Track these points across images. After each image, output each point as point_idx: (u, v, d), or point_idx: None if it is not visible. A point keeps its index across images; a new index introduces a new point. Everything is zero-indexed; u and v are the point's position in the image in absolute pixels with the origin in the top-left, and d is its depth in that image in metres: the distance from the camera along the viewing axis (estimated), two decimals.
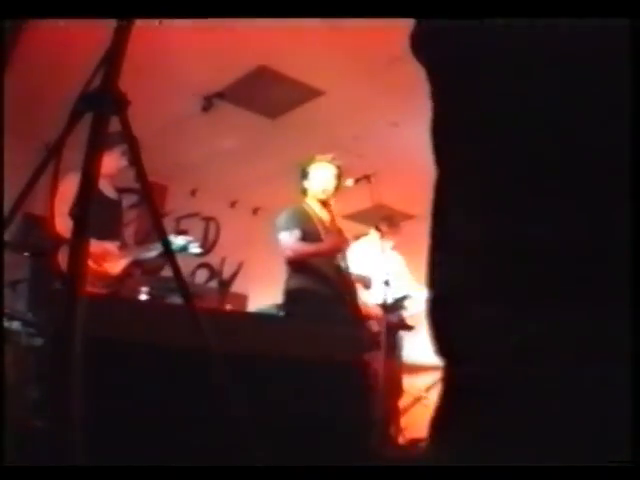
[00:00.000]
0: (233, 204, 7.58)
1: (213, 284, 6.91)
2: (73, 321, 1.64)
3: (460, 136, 1.01)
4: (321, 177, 4.85)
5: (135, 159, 1.99)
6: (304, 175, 4.93)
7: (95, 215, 4.41)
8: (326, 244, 4.78)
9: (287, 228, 4.76)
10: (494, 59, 0.97)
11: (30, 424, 1.88)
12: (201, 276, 6.91)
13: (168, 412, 2.26)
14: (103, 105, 1.82)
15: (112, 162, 4.56)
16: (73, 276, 1.74)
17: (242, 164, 6.69)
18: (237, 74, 5.45)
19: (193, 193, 7.27)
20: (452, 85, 1.02)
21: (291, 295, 4.80)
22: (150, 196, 2.15)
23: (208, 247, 7.02)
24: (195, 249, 5.13)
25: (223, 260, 7.11)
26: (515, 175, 0.96)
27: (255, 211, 7.71)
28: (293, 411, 2.41)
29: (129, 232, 5.36)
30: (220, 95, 5.68)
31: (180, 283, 1.94)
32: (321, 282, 4.80)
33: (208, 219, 7.28)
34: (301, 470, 0.96)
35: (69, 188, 4.06)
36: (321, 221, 4.78)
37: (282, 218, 4.85)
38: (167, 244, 2.10)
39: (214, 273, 7.03)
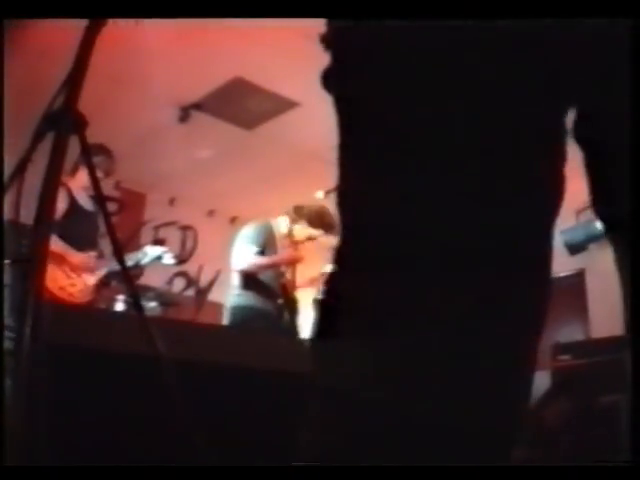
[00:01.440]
0: (211, 213, 7.63)
1: (190, 292, 6.94)
2: (24, 327, 1.70)
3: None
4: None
5: (92, 177, 2.06)
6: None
7: (73, 226, 4.43)
8: (278, 257, 4.89)
9: (246, 243, 4.87)
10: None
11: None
12: (178, 284, 6.95)
13: (120, 417, 2.31)
14: (63, 125, 1.89)
15: (87, 175, 4.65)
16: (29, 283, 1.79)
17: (219, 174, 6.75)
18: (213, 85, 5.52)
19: (171, 202, 7.32)
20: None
21: (237, 311, 4.93)
22: (107, 214, 2.20)
23: (185, 256, 7.05)
24: (169, 260, 5.19)
25: (200, 269, 7.13)
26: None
27: (232, 220, 7.75)
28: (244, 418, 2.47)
29: (106, 241, 5.40)
30: (197, 106, 5.73)
31: (132, 292, 2.02)
32: (266, 299, 4.91)
33: (186, 228, 7.32)
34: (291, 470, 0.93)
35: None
36: (282, 239, 4.90)
37: (245, 232, 4.96)
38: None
39: (191, 281, 7.05)
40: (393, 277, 0.91)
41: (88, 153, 2.03)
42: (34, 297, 1.76)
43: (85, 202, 4.81)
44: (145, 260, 5.21)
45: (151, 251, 5.10)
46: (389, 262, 0.92)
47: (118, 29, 2.70)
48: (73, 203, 4.71)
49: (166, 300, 5.96)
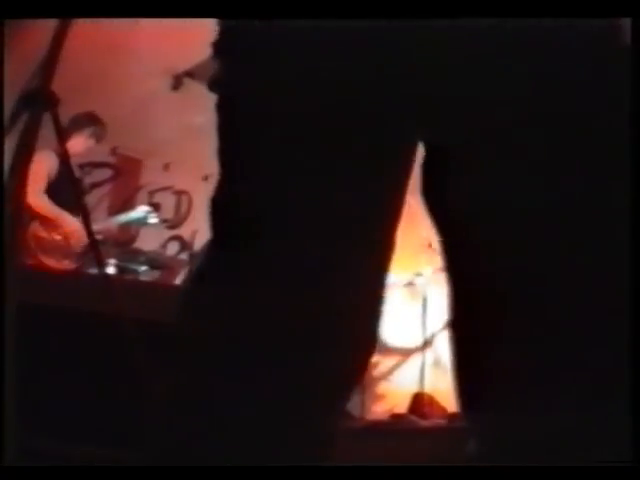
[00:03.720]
0: (205, 178, 7.65)
1: (184, 256, 6.98)
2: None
3: None
4: None
5: (64, 156, 2.17)
6: None
7: (64, 192, 4.46)
8: None
9: None
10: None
11: None
12: (172, 248, 7.01)
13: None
14: (36, 104, 1.99)
15: (79, 143, 4.81)
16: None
17: (214, 140, 6.76)
18: (205, 54, 5.50)
19: (166, 167, 7.35)
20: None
21: None
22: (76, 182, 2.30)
23: (179, 220, 7.09)
24: (153, 219, 5.28)
25: (194, 233, 7.18)
26: None
27: None
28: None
29: (102, 206, 5.51)
30: (189, 74, 5.78)
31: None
32: None
33: (180, 192, 7.35)
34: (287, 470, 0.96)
35: (40, 167, 4.27)
36: None
37: None
38: None
39: (185, 245, 7.10)
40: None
41: (60, 131, 2.13)
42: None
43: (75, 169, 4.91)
44: (127, 220, 5.32)
45: (134, 212, 5.20)
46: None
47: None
48: (63, 170, 4.81)
49: (158, 263, 6.03)
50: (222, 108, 1.10)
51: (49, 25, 1.94)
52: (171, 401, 1.04)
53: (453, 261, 1.08)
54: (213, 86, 1.11)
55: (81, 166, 5.00)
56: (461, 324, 1.09)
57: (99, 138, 5.12)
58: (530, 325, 0.98)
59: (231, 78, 1.10)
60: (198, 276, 1.11)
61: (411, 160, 1.07)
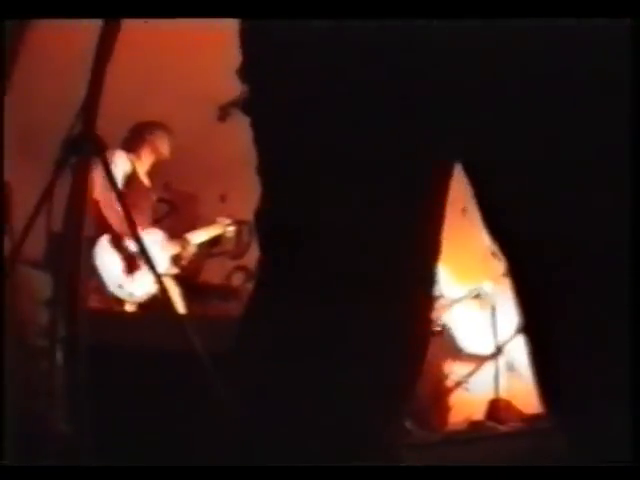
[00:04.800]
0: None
1: (250, 285, 6.98)
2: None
3: None
4: None
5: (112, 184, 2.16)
6: None
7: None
8: None
9: None
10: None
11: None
12: (238, 279, 7.02)
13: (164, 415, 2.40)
14: (84, 150, 1.99)
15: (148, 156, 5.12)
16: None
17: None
18: None
19: (223, 198, 7.38)
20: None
21: None
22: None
23: (242, 250, 7.10)
24: (230, 233, 5.33)
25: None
26: None
27: None
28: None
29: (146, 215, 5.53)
30: (234, 104, 5.79)
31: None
32: None
33: (239, 222, 7.37)
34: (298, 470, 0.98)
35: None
36: None
37: None
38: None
39: (250, 275, 7.10)
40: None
41: (111, 175, 2.13)
42: (68, 302, 1.87)
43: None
44: (208, 237, 5.38)
45: (213, 228, 5.27)
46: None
47: (142, 32, 2.76)
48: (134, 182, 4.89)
49: (225, 295, 6.04)
50: (256, 128, 1.14)
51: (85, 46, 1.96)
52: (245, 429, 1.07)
53: (515, 265, 1.11)
54: (245, 108, 1.16)
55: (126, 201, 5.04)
56: (531, 327, 1.11)
57: (167, 148, 5.34)
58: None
59: (261, 99, 1.14)
60: (253, 296, 1.15)
61: (449, 174, 1.10)
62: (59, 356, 1.86)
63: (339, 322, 1.02)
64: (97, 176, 4.53)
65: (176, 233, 5.72)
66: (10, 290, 2.85)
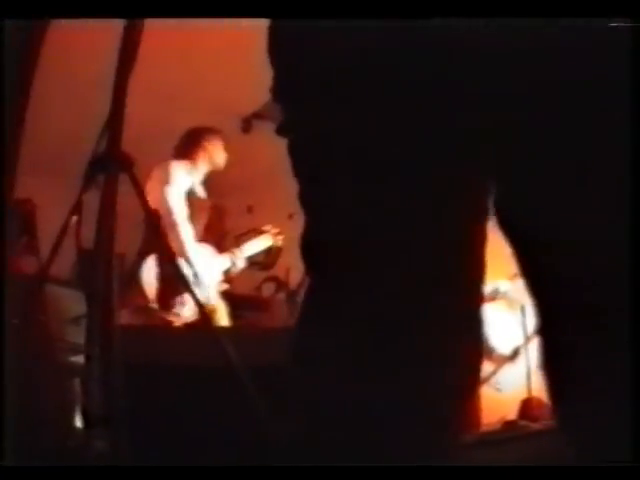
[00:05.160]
0: (290, 216, 7.66)
1: (281, 296, 6.99)
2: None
3: None
4: None
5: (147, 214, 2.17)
6: None
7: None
8: None
9: None
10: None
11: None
12: (268, 289, 7.01)
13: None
14: (110, 167, 1.99)
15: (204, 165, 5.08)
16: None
17: (292, 177, 6.75)
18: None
19: (250, 210, 7.38)
20: None
21: None
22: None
23: (271, 261, 7.10)
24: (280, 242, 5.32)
25: (288, 271, 7.18)
26: None
27: None
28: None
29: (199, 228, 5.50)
30: (257, 116, 5.80)
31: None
32: None
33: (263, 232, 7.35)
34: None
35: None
36: None
37: None
38: None
39: (281, 285, 7.11)
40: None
41: (141, 190, 2.12)
42: (102, 319, 1.87)
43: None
44: (259, 250, 5.37)
45: (262, 240, 5.26)
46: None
47: (165, 44, 2.76)
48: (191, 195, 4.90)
49: (256, 306, 6.05)
50: (293, 151, 1.13)
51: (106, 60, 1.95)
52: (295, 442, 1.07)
53: (528, 268, 1.13)
54: (281, 131, 1.13)
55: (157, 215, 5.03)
56: (544, 329, 1.13)
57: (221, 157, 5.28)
58: None
59: (296, 121, 1.12)
60: (304, 318, 1.14)
61: (487, 189, 1.10)
62: (95, 373, 1.86)
63: (392, 330, 1.03)
64: (154, 188, 4.57)
65: (222, 246, 5.69)
66: (39, 308, 2.86)
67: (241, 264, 5.41)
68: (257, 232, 6.67)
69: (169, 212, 4.66)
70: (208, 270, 4.95)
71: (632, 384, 0.92)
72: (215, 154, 5.30)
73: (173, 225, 4.60)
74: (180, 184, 4.83)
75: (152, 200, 4.54)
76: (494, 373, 5.73)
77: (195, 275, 4.67)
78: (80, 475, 1.02)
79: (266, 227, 5.75)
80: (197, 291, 4.64)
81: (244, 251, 5.51)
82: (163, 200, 4.65)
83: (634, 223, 0.95)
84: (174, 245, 4.54)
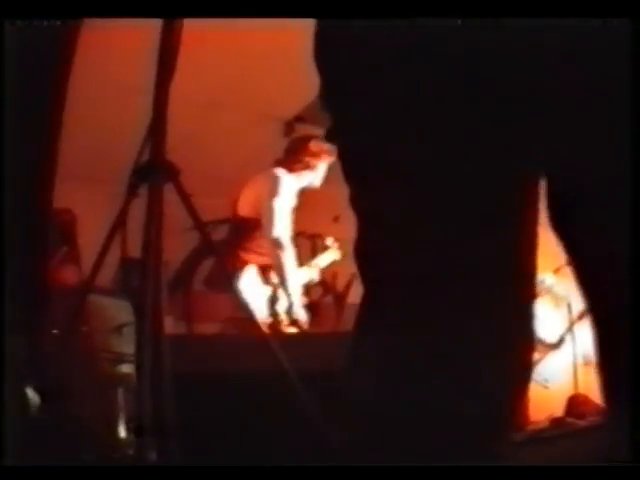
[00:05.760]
0: (336, 218, 7.64)
1: (329, 299, 6.97)
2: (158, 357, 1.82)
3: None
4: None
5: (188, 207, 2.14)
6: None
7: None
8: None
9: None
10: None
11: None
12: (316, 293, 7.00)
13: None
14: (155, 176, 1.97)
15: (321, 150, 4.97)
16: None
17: (339, 179, 6.74)
18: (312, 95, 5.51)
19: (294, 212, 7.39)
20: None
21: None
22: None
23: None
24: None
25: (335, 275, 7.17)
26: None
27: None
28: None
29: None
30: (300, 119, 5.79)
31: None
32: None
33: (314, 236, 7.35)
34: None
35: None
36: None
37: None
38: None
39: (328, 288, 7.09)
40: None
41: (187, 198, 2.11)
42: (152, 328, 1.86)
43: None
44: (327, 262, 5.39)
45: (329, 253, 5.26)
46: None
47: (205, 48, 2.74)
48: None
49: (305, 310, 6.04)
50: (344, 158, 1.13)
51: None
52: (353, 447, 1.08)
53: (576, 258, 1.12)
54: (330, 138, 1.14)
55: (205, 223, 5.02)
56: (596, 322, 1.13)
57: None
58: None
59: (346, 128, 1.12)
60: (362, 327, 1.14)
61: (537, 192, 1.10)
62: (145, 383, 1.86)
63: (447, 331, 1.04)
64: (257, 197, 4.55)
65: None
66: (81, 318, 2.86)
67: (316, 277, 5.42)
68: (304, 235, 6.69)
69: (270, 225, 4.66)
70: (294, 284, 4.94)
71: (632, 384, 0.95)
72: (319, 172, 5.23)
73: (275, 243, 4.60)
74: (287, 197, 4.81)
75: (251, 209, 4.56)
76: (537, 362, 5.70)
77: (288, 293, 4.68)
78: (80, 475, 1.03)
79: (328, 239, 5.72)
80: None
81: (319, 264, 5.51)
82: (269, 211, 4.65)
83: (634, 223, 0.96)
84: (273, 262, 4.56)
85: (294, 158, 5.04)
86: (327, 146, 4.92)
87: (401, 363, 1.04)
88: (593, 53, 0.96)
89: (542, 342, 5.70)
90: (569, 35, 0.96)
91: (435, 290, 1.04)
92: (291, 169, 4.99)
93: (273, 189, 4.69)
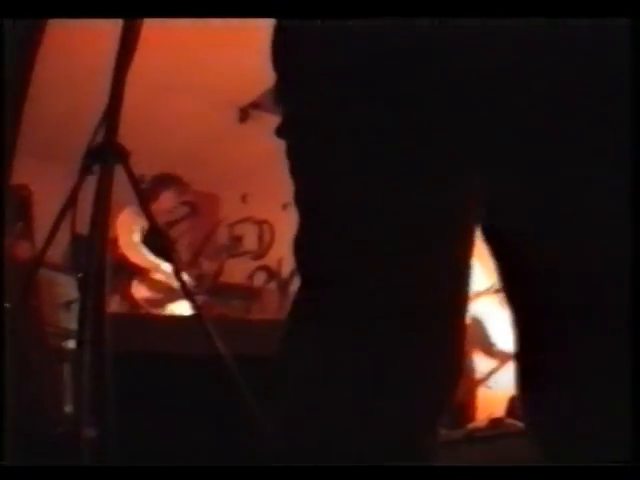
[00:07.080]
0: (285, 206, 7.64)
1: (272, 285, 6.99)
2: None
3: None
4: None
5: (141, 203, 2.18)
6: None
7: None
8: None
9: None
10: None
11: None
12: (259, 279, 7.02)
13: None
14: (106, 157, 2.01)
15: (167, 200, 5.22)
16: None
17: (287, 168, 6.76)
18: (269, 83, 5.52)
19: (244, 199, 7.38)
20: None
21: None
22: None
23: (264, 250, 7.10)
24: None
25: (280, 261, 7.19)
26: None
27: None
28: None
29: (184, 244, 5.56)
30: (255, 105, 5.81)
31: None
32: None
33: (261, 222, 7.35)
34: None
35: (128, 220, 4.40)
36: None
37: None
38: None
39: (272, 275, 7.10)
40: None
41: (135, 181, 2.14)
42: (94, 308, 1.90)
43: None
44: None
45: None
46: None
47: (162, 34, 2.76)
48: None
49: (247, 295, 6.06)
50: (291, 155, 1.13)
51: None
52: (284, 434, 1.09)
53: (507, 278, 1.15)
54: (280, 134, 1.13)
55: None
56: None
57: (182, 194, 5.34)
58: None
59: (296, 125, 1.12)
60: (295, 315, 1.15)
61: (474, 193, 1.10)
62: (86, 359, 1.88)
63: (379, 327, 1.04)
64: None
65: (197, 236, 5.72)
66: (32, 293, 2.88)
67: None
68: (252, 221, 6.70)
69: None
70: None
71: (632, 384, 0.93)
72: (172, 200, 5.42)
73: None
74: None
75: None
76: (497, 370, 5.76)
77: None
78: (80, 475, 1.03)
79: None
80: None
81: None
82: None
83: (634, 224, 0.96)
84: None
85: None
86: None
87: (329, 357, 1.04)
88: (593, 53, 0.97)
89: (501, 351, 5.76)
90: (569, 35, 0.96)
91: (369, 288, 1.04)
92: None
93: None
